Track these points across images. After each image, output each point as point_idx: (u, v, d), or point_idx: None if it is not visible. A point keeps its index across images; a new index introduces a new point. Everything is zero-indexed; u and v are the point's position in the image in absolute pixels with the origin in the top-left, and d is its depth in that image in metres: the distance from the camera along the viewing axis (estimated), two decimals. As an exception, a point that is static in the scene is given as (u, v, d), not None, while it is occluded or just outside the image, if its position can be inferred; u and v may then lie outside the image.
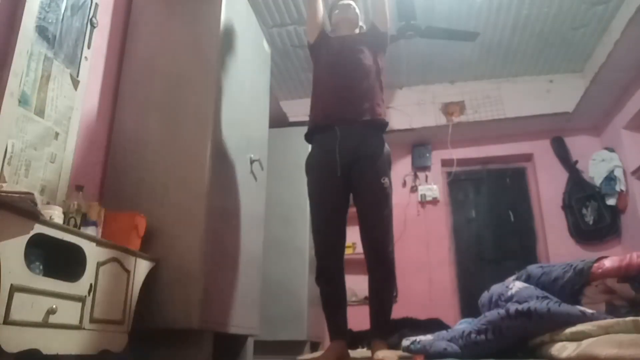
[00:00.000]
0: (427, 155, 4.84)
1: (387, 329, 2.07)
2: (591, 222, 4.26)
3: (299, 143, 4.07)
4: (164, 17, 2.31)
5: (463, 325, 2.19)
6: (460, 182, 4.90)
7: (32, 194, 1.23)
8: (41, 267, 1.41)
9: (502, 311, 1.76)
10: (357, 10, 2.40)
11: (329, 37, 2.35)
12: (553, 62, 4.20)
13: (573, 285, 1.74)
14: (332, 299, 2.11)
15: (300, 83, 4.50)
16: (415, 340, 1.94)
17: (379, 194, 2.04)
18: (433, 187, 4.76)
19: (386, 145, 2.14)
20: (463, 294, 4.49)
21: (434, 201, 4.73)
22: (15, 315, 1.18)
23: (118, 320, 1.62)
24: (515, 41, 3.91)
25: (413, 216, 4.67)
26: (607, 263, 1.68)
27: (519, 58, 4.17)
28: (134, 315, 1.71)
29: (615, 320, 1.37)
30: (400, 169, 4.87)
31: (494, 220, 4.72)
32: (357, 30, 2.40)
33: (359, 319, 3.08)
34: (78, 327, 1.41)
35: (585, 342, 1.35)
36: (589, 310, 1.57)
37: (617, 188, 4.04)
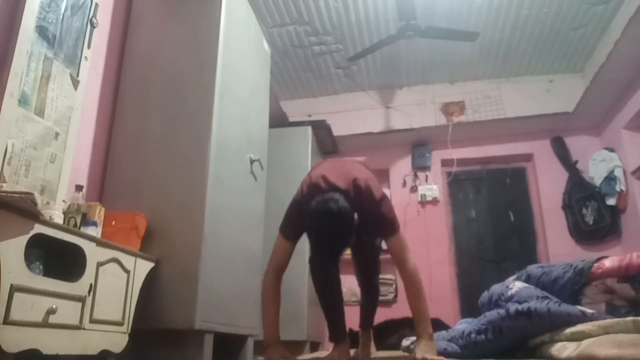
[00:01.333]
0: (427, 155, 4.83)
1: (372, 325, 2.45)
2: (591, 222, 4.25)
3: (298, 143, 4.11)
4: (164, 17, 2.31)
5: (463, 325, 2.20)
6: (460, 182, 4.89)
7: (32, 194, 1.23)
8: (41, 267, 1.41)
9: (502, 311, 1.76)
10: None
11: None
12: (553, 62, 4.20)
13: (573, 285, 1.74)
14: (331, 302, 2.10)
15: (300, 83, 4.49)
16: (416, 340, 1.95)
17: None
18: (433, 187, 4.75)
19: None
20: (463, 293, 4.49)
21: (434, 201, 4.73)
22: (15, 315, 1.18)
23: (118, 321, 1.62)
24: (515, 41, 3.91)
25: (413, 216, 4.67)
26: (607, 263, 1.68)
27: (519, 58, 4.16)
28: (133, 315, 1.70)
29: (615, 320, 1.37)
30: (400, 169, 4.87)
31: (494, 220, 4.71)
32: None
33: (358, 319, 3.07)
34: (78, 327, 1.41)
35: (585, 342, 1.35)
36: (589, 310, 1.57)
37: (617, 188, 4.04)
